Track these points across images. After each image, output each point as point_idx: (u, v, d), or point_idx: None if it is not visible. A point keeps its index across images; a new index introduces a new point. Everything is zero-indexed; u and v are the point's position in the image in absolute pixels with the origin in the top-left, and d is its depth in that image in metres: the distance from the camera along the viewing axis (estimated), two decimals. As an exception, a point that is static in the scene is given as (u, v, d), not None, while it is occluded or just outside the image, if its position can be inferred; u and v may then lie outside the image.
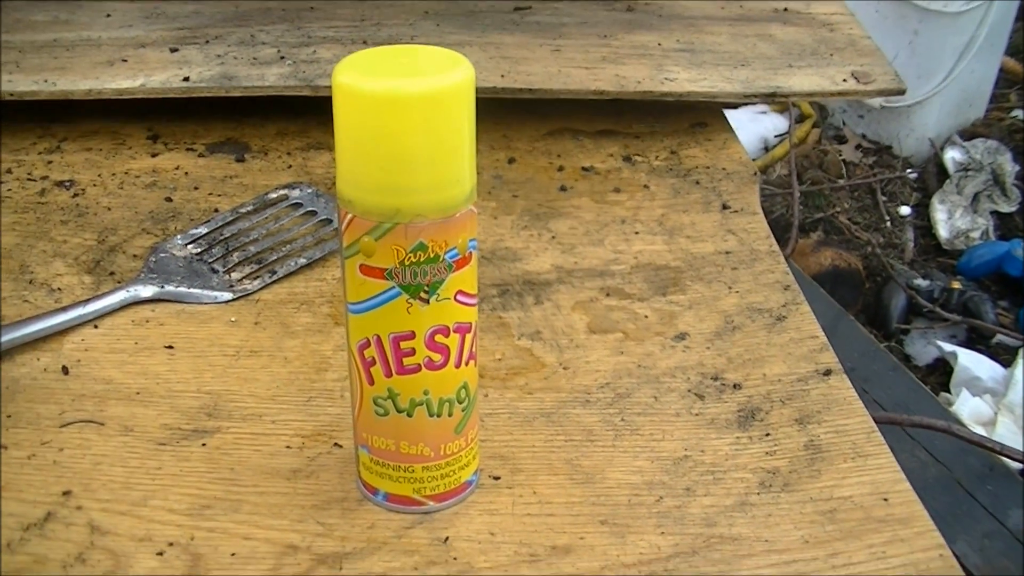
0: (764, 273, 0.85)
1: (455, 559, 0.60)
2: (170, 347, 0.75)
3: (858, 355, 1.83)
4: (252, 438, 0.67)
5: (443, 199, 0.55)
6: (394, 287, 0.56)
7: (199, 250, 0.84)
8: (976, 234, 2.32)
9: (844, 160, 2.53)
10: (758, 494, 0.65)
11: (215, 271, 0.82)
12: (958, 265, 2.26)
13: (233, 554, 0.61)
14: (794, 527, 0.63)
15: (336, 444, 0.68)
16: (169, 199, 0.91)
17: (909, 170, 2.53)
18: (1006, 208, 2.38)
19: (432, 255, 0.56)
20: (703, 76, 1.02)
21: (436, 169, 0.55)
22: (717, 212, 0.93)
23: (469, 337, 0.60)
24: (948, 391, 1.93)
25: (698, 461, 0.67)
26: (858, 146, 2.63)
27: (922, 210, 2.42)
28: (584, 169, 0.99)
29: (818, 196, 2.40)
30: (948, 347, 1.99)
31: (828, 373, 0.75)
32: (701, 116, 1.08)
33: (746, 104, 1.01)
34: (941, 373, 2.00)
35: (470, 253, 0.58)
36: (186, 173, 0.95)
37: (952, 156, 2.49)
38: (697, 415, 0.71)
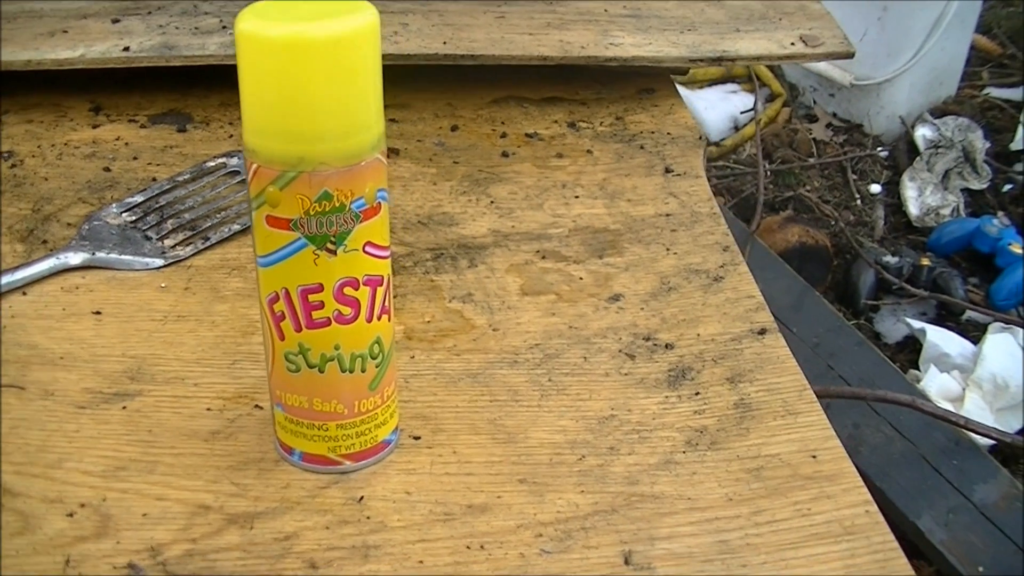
0: (704, 235, 0.84)
1: (368, 518, 0.59)
2: (98, 313, 0.73)
3: (824, 331, 1.82)
4: (173, 401, 0.66)
5: (347, 147, 0.54)
6: (300, 238, 0.55)
7: (134, 218, 0.83)
8: (947, 211, 2.30)
9: (814, 139, 2.52)
10: (683, 452, 0.64)
11: (148, 238, 0.81)
12: (928, 242, 2.25)
13: (144, 514, 0.59)
14: (718, 485, 0.62)
15: (257, 406, 0.66)
16: (107, 169, 0.89)
17: (880, 148, 2.51)
18: (977, 185, 2.37)
19: (338, 204, 0.55)
20: (648, 41, 1.01)
21: (339, 116, 0.54)
22: (660, 176, 0.92)
23: (381, 291, 0.58)
24: (917, 368, 1.92)
25: (624, 420, 0.66)
26: (828, 124, 2.61)
27: (892, 188, 2.41)
28: (528, 135, 0.97)
29: (788, 175, 2.39)
30: (917, 324, 1.98)
31: (763, 332, 0.74)
32: (649, 82, 1.06)
33: (692, 67, 0.99)
34: (911, 351, 1.99)
35: (379, 203, 0.56)
36: (126, 144, 0.93)
37: (923, 134, 2.47)
38: (626, 375, 0.70)
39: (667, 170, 0.92)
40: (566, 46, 0.99)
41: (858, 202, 2.33)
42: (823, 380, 1.69)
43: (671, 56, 0.99)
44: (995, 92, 2.69)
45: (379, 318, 0.59)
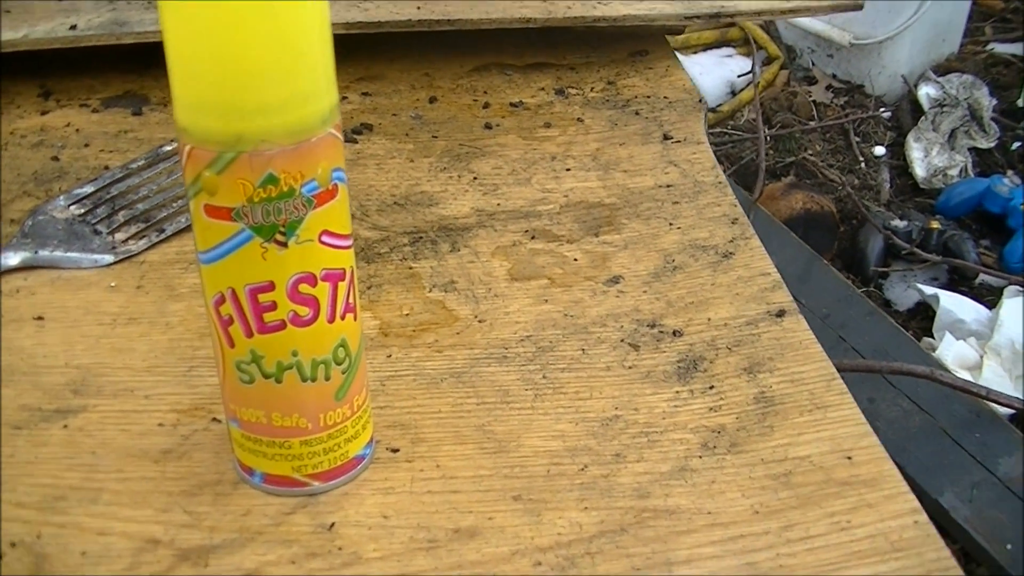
0: (709, 206, 0.76)
1: (340, 548, 0.51)
2: (39, 318, 0.66)
3: (833, 301, 1.75)
4: (120, 416, 0.59)
5: (293, 121, 0.46)
6: (244, 230, 0.47)
7: (82, 211, 0.76)
8: (954, 172, 2.23)
9: (814, 101, 2.44)
10: (700, 457, 0.56)
11: (98, 232, 0.75)
12: (937, 204, 2.17)
13: (84, 552, 0.52)
14: (742, 495, 0.54)
15: (215, 419, 0.59)
16: (56, 158, 0.83)
17: (882, 109, 2.44)
18: (984, 144, 2.29)
19: (285, 189, 0.47)
20: (640, -3, 0.93)
21: (281, 84, 0.46)
22: (658, 143, 0.84)
23: (343, 286, 0.50)
24: (931, 336, 1.84)
25: (630, 422, 0.58)
26: (828, 87, 2.54)
27: (897, 149, 2.33)
28: (512, 105, 0.90)
29: (788, 139, 2.30)
30: (929, 290, 1.90)
31: (781, 314, 0.66)
32: (641, 44, 0.99)
33: (687, 25, 0.91)
34: (923, 318, 1.91)
35: (335, 186, 0.48)
36: (77, 130, 0.87)
37: (926, 92, 2.39)
38: (631, 368, 0.62)
39: (665, 137, 0.85)
40: (550, 7, 0.92)
41: (862, 165, 2.25)
42: (835, 353, 1.60)
43: (665, 14, 0.91)
44: (999, 48, 2.62)
45: (342, 317, 0.51)
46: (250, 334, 0.50)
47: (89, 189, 0.79)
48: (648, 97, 0.91)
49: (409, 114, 0.89)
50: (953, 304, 1.87)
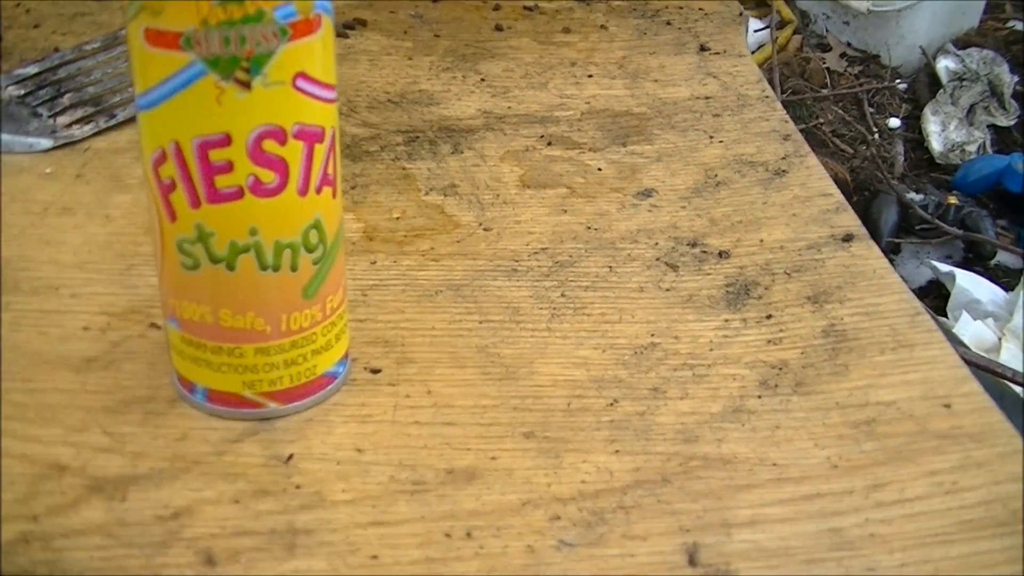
0: (755, 120, 0.65)
1: (297, 487, 0.40)
2: (-45, 204, 0.55)
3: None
4: (39, 316, 0.49)
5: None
6: (195, 62, 0.36)
7: (23, 92, 0.68)
8: (972, 148, 2.12)
9: (828, 69, 2.33)
10: (759, 397, 0.45)
11: (37, 115, 0.66)
12: (954, 180, 2.07)
13: (-31, 480, 0.40)
14: (814, 444, 0.42)
15: (153, 324, 0.48)
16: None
17: (898, 80, 2.32)
18: (1004, 121, 2.18)
19: (252, 11, 0.36)
20: None
21: None
22: (693, 54, 0.73)
23: (321, 150, 0.39)
24: (944, 315, 1.73)
25: (670, 351, 0.47)
26: (843, 54, 2.42)
27: (912, 123, 2.22)
28: (527, 8, 0.79)
29: (800, 106, 2.19)
30: (944, 268, 1.80)
31: (849, 239, 0.55)
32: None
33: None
34: (936, 296, 1.80)
35: (318, 16, 0.37)
36: (27, 10, 0.77)
37: (945, 65, 2.28)
38: (668, 291, 0.51)
39: (702, 48, 0.74)
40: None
41: (876, 136, 2.14)
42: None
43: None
44: (1020, 26, 2.51)
45: (318, 191, 0.39)
46: (197, 203, 0.38)
47: (33, 70, 0.70)
48: (681, 8, 0.80)
49: (409, 12, 0.77)
50: (969, 283, 1.76)
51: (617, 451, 0.42)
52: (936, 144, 2.12)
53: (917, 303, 0.51)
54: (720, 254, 0.54)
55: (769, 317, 0.50)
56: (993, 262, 1.87)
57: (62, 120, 0.65)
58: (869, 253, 0.54)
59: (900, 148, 2.14)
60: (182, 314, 0.41)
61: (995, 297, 1.73)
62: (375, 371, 0.46)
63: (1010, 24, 2.44)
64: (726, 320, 0.50)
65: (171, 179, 0.39)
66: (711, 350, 0.48)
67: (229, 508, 0.39)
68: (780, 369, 0.47)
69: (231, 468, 0.41)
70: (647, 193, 0.59)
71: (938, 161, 2.11)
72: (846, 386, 0.46)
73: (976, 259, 1.88)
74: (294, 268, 0.40)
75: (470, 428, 0.43)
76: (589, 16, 0.79)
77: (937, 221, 1.83)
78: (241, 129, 0.37)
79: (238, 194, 0.38)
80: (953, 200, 1.95)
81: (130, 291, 0.51)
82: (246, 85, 0.37)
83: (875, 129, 2.15)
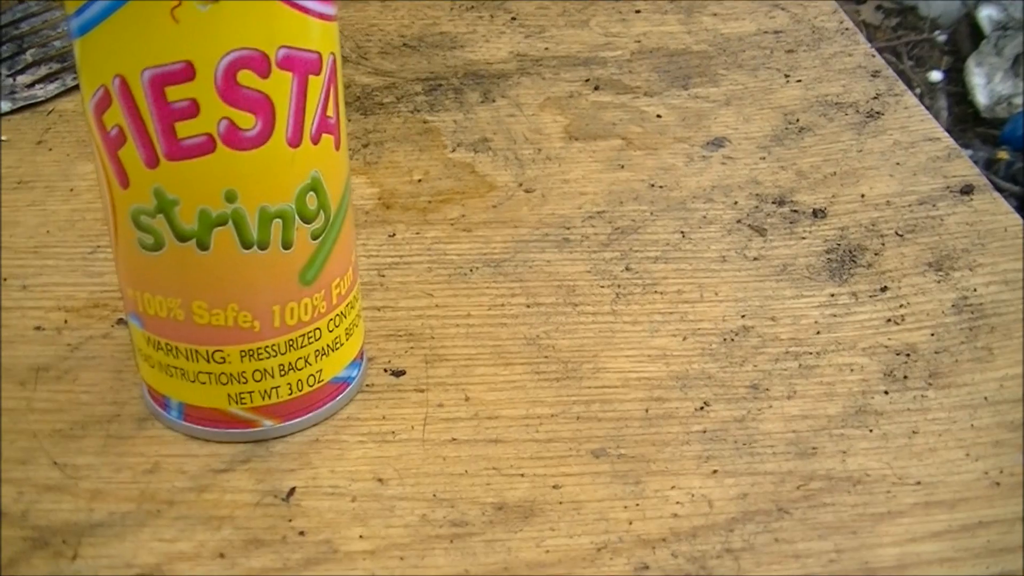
0: (837, 56, 0.55)
1: (301, 534, 0.31)
2: None
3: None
4: None
5: None
6: (140, -37, 0.26)
7: None
8: (1020, 100, 2.03)
9: (864, 22, 2.23)
10: (885, 393, 0.35)
11: None
12: (1002, 134, 1.98)
13: None
14: (966, 455, 0.33)
15: (121, 321, 0.39)
16: (-45, -9, 0.65)
17: (937, 32, 2.23)
18: (1052, 70, 2.10)
19: None
20: None
21: None
22: (756, -16, 0.63)
23: (318, 84, 0.29)
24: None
25: (768, 336, 0.37)
26: (878, 7, 2.33)
27: (955, 76, 2.13)
28: (560, -61, 0.68)
29: (836, 61, 2.10)
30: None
31: (968, 190, 0.45)
32: None
33: None
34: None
35: None
36: None
37: (988, 14, 2.19)
38: (756, 260, 0.41)
39: (764, -21, 0.63)
40: None
41: (917, 91, 2.04)
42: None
43: None
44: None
45: (315, 140, 0.29)
46: (154, 161, 0.29)
47: (-8, 24, 0.63)
48: (734, -64, 0.70)
49: (423, -53, 0.68)
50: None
51: (715, 471, 0.33)
52: (981, 97, 2.05)
53: (1067, 268, 0.41)
54: (815, 213, 0.44)
55: (884, 289, 0.40)
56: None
57: (23, 79, 0.58)
58: (996, 208, 0.45)
59: (943, 102, 2.06)
60: (145, 309, 0.32)
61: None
62: (398, 373, 0.37)
63: (1052, -30, 2.34)
64: (832, 295, 0.40)
65: (118, 128, 0.29)
66: (818, 333, 0.38)
67: (212, 565, 0.30)
68: (908, 356, 0.37)
69: (215, 509, 0.32)
70: (718, 143, 0.49)
71: (984, 115, 2.03)
72: (994, 376, 0.36)
73: (1025, 217, 1.79)
74: (287, 245, 0.31)
75: (522, 446, 0.34)
76: (631, -51, 0.70)
77: (994, 177, 1.74)
78: (207, 56, 0.28)
79: (207, 146, 0.29)
80: (1004, 155, 1.87)
81: (93, 280, 0.42)
82: (212, -2, 0.27)
83: (916, 84, 2.06)
